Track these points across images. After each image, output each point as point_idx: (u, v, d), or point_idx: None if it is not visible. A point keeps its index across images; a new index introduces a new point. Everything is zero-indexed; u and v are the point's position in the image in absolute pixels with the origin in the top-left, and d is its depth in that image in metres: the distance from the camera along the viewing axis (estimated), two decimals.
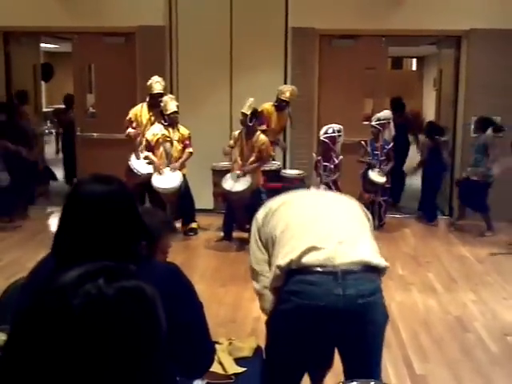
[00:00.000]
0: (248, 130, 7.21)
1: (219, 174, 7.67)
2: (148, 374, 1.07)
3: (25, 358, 1.02)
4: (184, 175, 7.56)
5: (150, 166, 7.47)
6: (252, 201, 7.00)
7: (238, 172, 7.19)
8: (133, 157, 7.59)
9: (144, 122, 7.77)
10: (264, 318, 2.83)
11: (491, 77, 8.44)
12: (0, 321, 2.57)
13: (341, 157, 7.60)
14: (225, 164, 7.81)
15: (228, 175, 7.26)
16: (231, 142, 7.45)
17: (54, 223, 8.75)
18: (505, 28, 8.30)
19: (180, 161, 7.54)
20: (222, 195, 7.41)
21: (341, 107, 8.87)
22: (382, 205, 8.16)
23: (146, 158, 7.49)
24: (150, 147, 7.45)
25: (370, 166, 7.98)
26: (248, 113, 7.14)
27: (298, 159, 8.82)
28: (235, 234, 7.50)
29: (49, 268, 2.90)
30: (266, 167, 7.74)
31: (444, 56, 9.91)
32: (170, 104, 7.45)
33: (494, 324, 5.15)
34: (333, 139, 7.53)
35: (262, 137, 7.27)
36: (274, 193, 7.76)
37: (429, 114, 17.54)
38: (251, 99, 7.27)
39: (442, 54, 10.16)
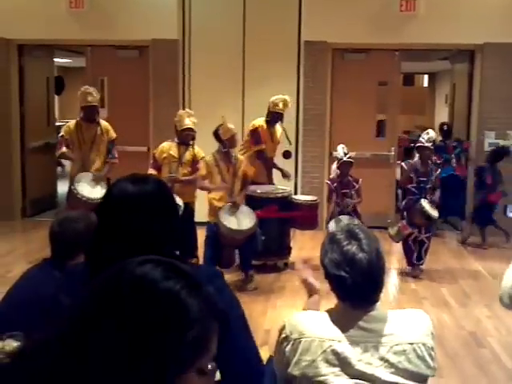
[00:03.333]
0: (225, 154, 6.26)
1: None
2: None
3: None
4: (188, 204, 6.38)
5: (98, 189, 6.46)
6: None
7: (230, 204, 6.07)
8: (76, 180, 6.59)
9: (83, 140, 6.80)
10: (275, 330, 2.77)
11: (505, 91, 8.40)
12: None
13: (360, 179, 6.74)
14: None
15: (223, 211, 6.00)
16: (203, 172, 6.28)
17: None
18: None
19: (184, 178, 6.43)
20: (224, 235, 5.99)
21: (353, 121, 8.87)
22: (424, 242, 6.77)
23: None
24: (157, 166, 6.49)
25: (415, 194, 6.67)
26: (226, 138, 6.22)
27: (310, 173, 8.79)
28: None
29: (37, 279, 2.91)
30: (279, 194, 6.84)
31: (457, 71, 9.88)
32: (186, 119, 6.45)
33: (509, 340, 5.07)
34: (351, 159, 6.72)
35: (240, 157, 6.45)
36: (285, 223, 6.77)
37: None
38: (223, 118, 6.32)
39: (455, 68, 10.14)
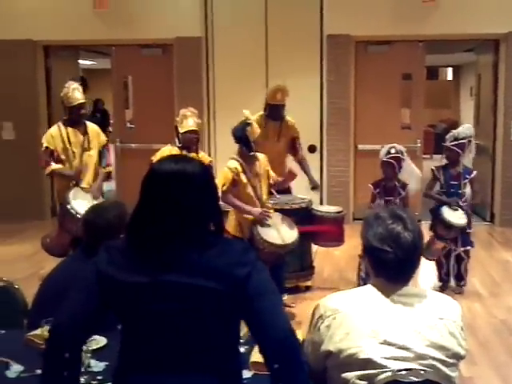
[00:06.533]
0: (250, 157, 5.01)
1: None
2: None
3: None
4: None
5: None
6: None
7: (269, 214, 4.93)
8: (71, 197, 5.44)
9: (70, 147, 5.72)
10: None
11: None
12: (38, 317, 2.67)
13: (409, 186, 5.61)
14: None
15: (259, 225, 4.87)
16: (229, 176, 4.92)
17: None
18: None
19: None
20: (269, 254, 4.78)
21: (378, 114, 8.84)
22: (462, 258, 5.82)
23: None
24: None
25: (444, 203, 5.70)
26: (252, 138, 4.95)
27: (336, 166, 8.77)
28: None
29: (73, 263, 2.97)
30: (296, 205, 5.70)
31: (482, 62, 9.79)
32: (188, 120, 5.52)
33: None
34: (398, 161, 5.53)
35: (259, 155, 5.10)
36: (306, 239, 5.48)
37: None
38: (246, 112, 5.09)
39: (479, 59, 10.05)
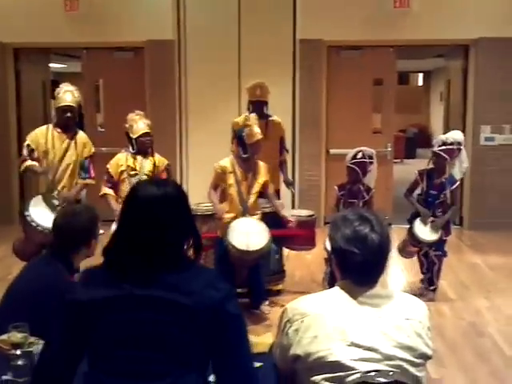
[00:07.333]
0: (245, 160, 5.23)
1: (202, 219, 5.51)
2: None
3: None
4: None
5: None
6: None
7: (244, 220, 5.13)
8: (32, 204, 5.15)
9: (52, 150, 5.43)
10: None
11: (500, 85, 8.46)
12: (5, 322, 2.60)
13: (373, 189, 5.64)
14: (209, 206, 5.56)
15: (234, 227, 5.04)
16: (216, 172, 5.28)
17: None
18: None
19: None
20: (236, 258, 5.02)
21: (349, 119, 8.91)
22: (434, 262, 5.79)
23: (103, 196, 5.32)
24: (113, 183, 5.33)
25: (419, 214, 5.66)
26: (250, 142, 5.16)
27: (308, 170, 8.81)
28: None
29: (40, 267, 2.96)
30: (266, 209, 5.57)
31: (452, 67, 9.93)
32: (139, 124, 5.34)
33: (508, 329, 5.09)
34: (363, 166, 5.56)
35: (260, 163, 5.32)
36: (277, 243, 5.51)
37: (436, 127, 17.63)
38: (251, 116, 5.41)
39: (449, 64, 10.18)
